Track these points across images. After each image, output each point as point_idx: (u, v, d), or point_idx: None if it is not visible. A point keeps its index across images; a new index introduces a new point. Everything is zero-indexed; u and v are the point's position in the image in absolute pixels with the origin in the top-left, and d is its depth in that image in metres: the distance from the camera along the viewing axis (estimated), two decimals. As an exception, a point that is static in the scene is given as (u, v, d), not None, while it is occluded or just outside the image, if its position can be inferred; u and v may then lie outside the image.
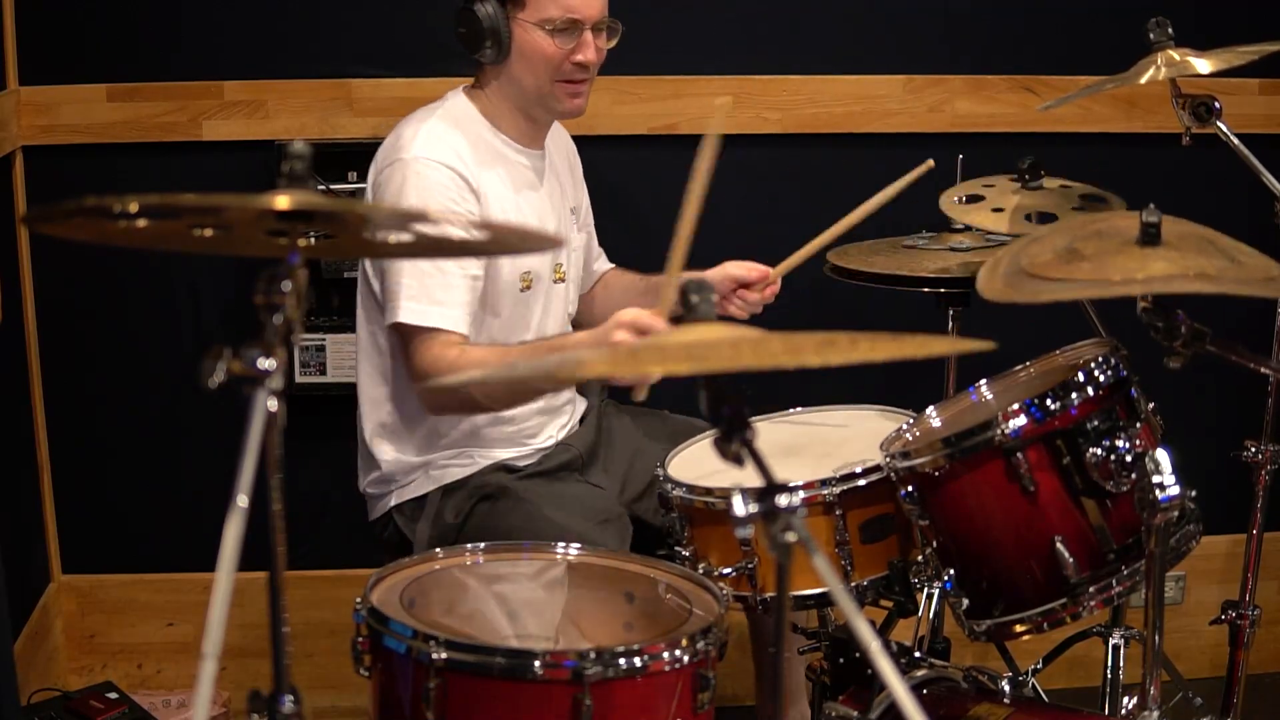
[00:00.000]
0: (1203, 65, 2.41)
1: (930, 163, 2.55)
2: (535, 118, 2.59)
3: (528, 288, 2.57)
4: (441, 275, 2.41)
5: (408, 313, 2.40)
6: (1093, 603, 2.09)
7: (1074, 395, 2.08)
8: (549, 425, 2.67)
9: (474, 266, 2.45)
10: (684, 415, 2.73)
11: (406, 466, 2.60)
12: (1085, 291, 2.01)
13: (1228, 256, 1.91)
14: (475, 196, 2.48)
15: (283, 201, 1.45)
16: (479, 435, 2.59)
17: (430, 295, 2.40)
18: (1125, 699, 2.40)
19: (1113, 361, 2.12)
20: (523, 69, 2.51)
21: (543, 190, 2.62)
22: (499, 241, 1.82)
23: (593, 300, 2.88)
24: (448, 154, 2.46)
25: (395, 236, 1.69)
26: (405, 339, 2.45)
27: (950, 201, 2.66)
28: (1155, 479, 1.93)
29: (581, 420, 2.75)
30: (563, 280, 2.66)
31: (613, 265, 2.93)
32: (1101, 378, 2.10)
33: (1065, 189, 2.64)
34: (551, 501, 2.52)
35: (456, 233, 1.67)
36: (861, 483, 2.25)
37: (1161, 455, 1.94)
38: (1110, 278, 1.88)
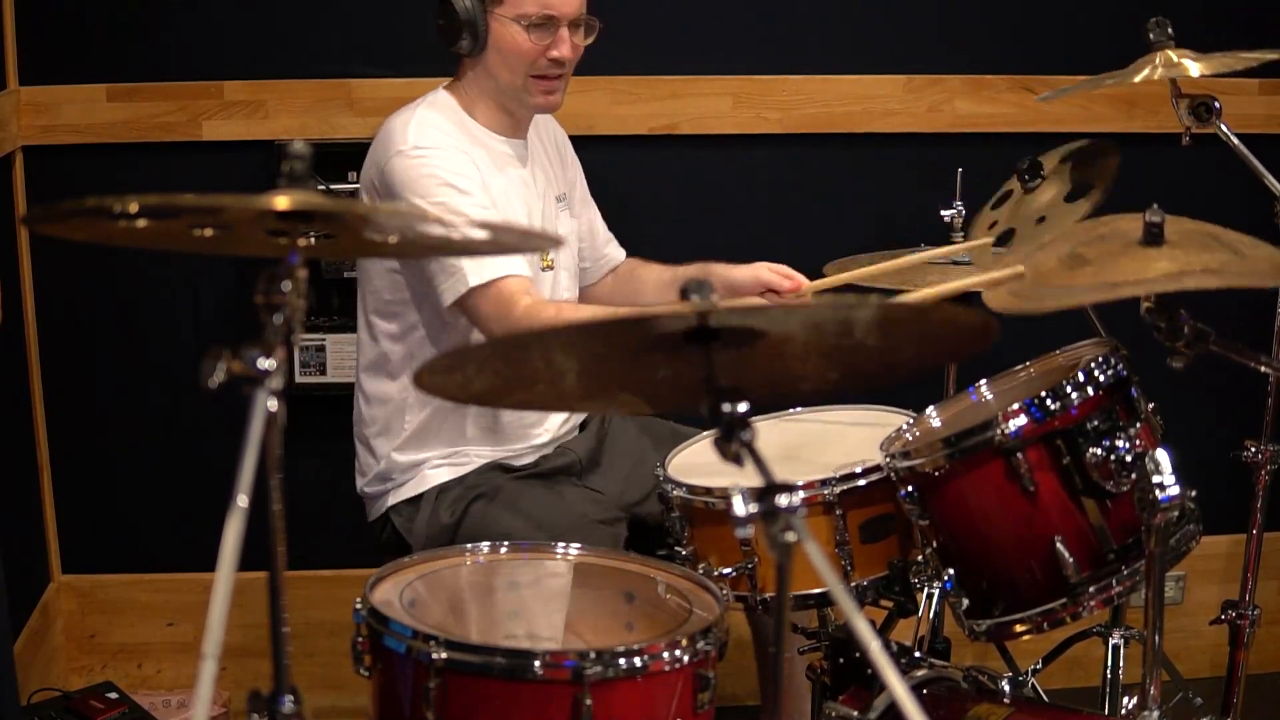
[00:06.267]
0: (1201, 69, 2.40)
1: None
2: (512, 110, 2.60)
3: None
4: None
5: (474, 274, 2.39)
6: (1093, 603, 2.09)
7: (1074, 395, 2.08)
8: (547, 419, 2.66)
9: (489, 209, 2.44)
10: (692, 426, 2.68)
11: (403, 465, 2.60)
12: (1090, 296, 2.01)
13: (1231, 250, 1.90)
14: (476, 168, 2.48)
15: (283, 201, 1.45)
16: (474, 434, 2.59)
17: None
18: (1125, 699, 2.40)
19: (1113, 361, 2.12)
20: (498, 63, 2.52)
21: (526, 177, 2.62)
22: (498, 241, 1.82)
23: (608, 291, 2.87)
24: (439, 138, 2.48)
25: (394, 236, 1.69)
26: (477, 303, 2.42)
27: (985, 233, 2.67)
28: (1155, 479, 1.92)
29: (582, 427, 2.75)
30: (551, 268, 2.65)
31: (626, 256, 2.90)
32: (1101, 378, 2.09)
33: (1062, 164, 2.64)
34: (545, 502, 2.52)
35: (464, 223, 1.67)
36: (861, 483, 2.25)
37: (1161, 455, 1.94)
38: (1114, 280, 1.88)
